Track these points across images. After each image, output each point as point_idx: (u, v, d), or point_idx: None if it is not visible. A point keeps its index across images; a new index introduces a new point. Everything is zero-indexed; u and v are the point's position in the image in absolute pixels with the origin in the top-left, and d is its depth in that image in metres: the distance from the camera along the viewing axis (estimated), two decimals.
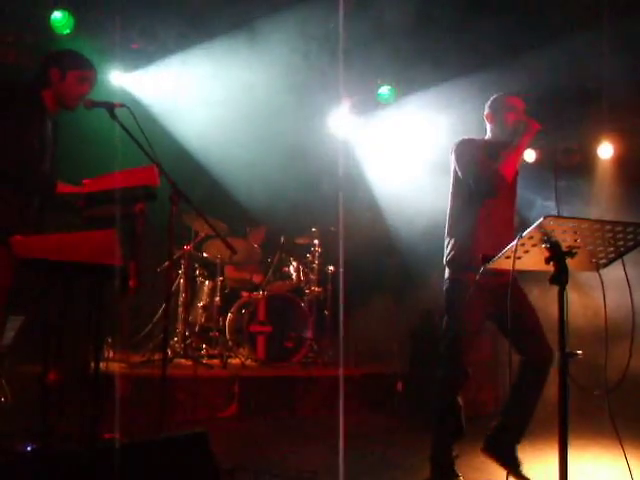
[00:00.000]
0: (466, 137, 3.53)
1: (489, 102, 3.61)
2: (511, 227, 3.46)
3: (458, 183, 3.48)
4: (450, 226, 3.49)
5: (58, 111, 3.11)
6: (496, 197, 3.36)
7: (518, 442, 3.35)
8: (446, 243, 3.49)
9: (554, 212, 3.12)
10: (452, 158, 3.50)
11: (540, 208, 5.40)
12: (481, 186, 3.35)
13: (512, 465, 3.28)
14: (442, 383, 3.39)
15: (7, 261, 2.83)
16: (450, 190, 3.54)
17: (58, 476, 1.97)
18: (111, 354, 5.27)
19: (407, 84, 6.84)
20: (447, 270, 3.46)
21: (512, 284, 3.39)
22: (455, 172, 3.49)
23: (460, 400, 3.38)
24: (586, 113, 6.13)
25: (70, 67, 3.05)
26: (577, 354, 2.35)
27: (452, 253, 3.42)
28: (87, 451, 2.15)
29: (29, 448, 3.10)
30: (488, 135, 3.60)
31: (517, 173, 3.51)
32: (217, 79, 6.20)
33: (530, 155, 6.49)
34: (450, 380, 3.37)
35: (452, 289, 3.41)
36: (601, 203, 6.06)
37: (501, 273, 2.59)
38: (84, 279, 3.22)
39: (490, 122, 3.58)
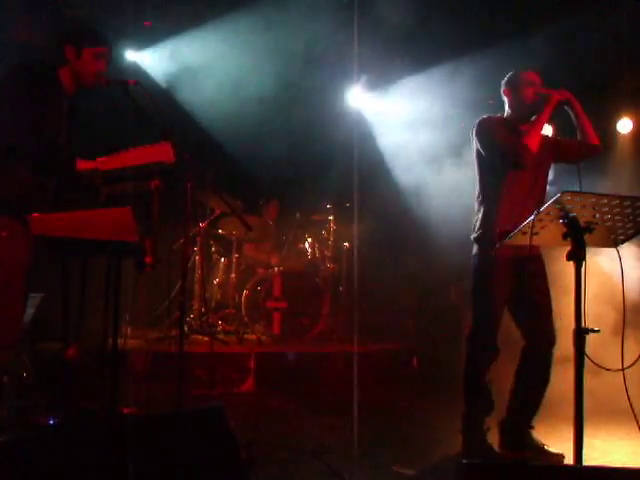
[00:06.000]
0: (485, 116, 3.52)
1: (506, 79, 3.58)
2: (540, 203, 3.46)
3: (482, 162, 3.49)
4: (477, 204, 3.51)
5: (75, 90, 3.09)
6: (524, 169, 3.33)
7: (531, 427, 3.42)
8: (474, 220, 3.51)
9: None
10: (473, 138, 3.49)
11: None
12: (508, 159, 3.36)
13: (535, 449, 3.36)
14: (472, 359, 3.41)
15: (25, 239, 2.85)
16: (475, 170, 3.54)
17: (79, 450, 2.01)
18: (129, 330, 5.33)
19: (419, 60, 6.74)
20: (475, 246, 3.49)
21: (536, 260, 3.41)
22: (478, 152, 3.48)
23: (488, 375, 3.40)
24: (605, 88, 6.01)
25: (86, 44, 3.02)
26: (594, 330, 2.33)
27: (479, 230, 3.45)
28: (106, 425, 2.19)
29: (51, 422, 3.16)
30: (507, 112, 3.58)
31: (546, 149, 3.46)
32: (231, 55, 6.15)
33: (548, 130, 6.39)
34: (480, 356, 3.39)
35: (480, 265, 3.44)
36: (620, 178, 5.96)
37: (523, 248, 2.60)
38: (101, 256, 3.26)
39: (509, 98, 3.56)
